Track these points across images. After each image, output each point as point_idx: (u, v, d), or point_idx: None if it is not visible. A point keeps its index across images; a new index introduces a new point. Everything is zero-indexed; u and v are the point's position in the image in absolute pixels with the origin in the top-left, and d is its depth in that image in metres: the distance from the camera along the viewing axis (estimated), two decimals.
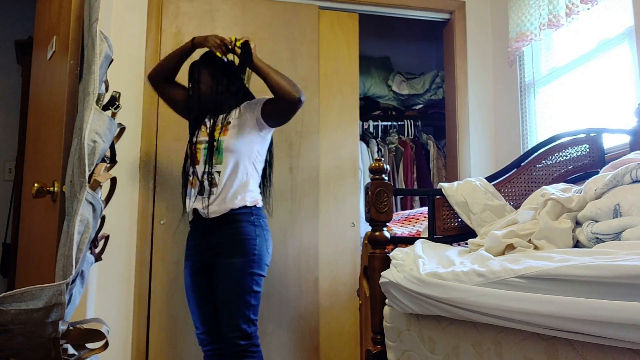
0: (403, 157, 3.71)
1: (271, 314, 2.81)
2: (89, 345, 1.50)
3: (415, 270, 1.44)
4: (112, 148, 1.64)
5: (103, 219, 1.58)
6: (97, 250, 1.62)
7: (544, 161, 2.02)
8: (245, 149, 2.24)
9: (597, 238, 1.36)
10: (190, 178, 2.27)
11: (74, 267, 1.34)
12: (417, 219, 2.32)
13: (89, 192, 1.42)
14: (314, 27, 3.09)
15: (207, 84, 2.30)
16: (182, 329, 2.65)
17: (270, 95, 2.27)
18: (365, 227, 2.17)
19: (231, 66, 2.36)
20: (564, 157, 2.01)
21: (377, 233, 1.81)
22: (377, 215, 1.80)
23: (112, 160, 1.65)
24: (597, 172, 1.72)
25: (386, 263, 1.71)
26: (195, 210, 2.25)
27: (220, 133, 2.24)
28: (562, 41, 2.77)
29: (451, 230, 1.94)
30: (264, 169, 2.41)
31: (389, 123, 3.85)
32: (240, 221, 2.19)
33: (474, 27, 3.30)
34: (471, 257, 1.43)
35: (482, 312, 1.13)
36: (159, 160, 2.77)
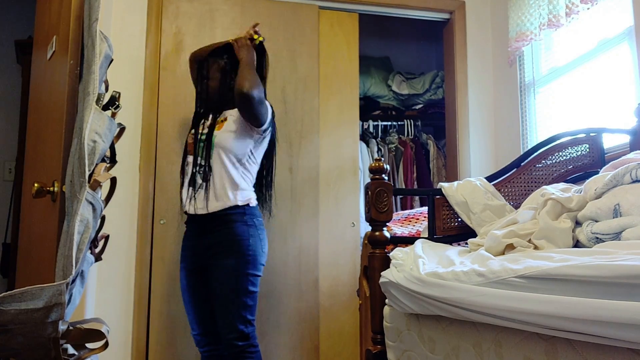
0: (403, 157, 3.71)
1: (271, 314, 2.81)
2: (89, 345, 1.50)
3: (415, 270, 1.44)
4: (112, 148, 1.64)
5: (103, 218, 1.58)
6: (97, 250, 1.62)
7: (543, 161, 2.02)
8: (237, 147, 2.23)
9: (597, 238, 1.36)
10: (186, 168, 2.29)
11: (74, 267, 1.34)
12: (417, 219, 2.32)
13: (89, 192, 1.42)
14: (313, 27, 3.09)
15: (216, 79, 2.33)
16: (182, 329, 2.65)
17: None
18: (365, 227, 2.17)
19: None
20: (564, 157, 2.01)
21: (377, 233, 1.81)
22: (377, 215, 1.80)
23: (112, 160, 1.65)
24: (597, 172, 1.72)
25: (386, 263, 1.71)
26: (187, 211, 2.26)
27: (217, 127, 2.26)
28: (562, 41, 2.77)
29: (451, 230, 1.94)
30: (264, 172, 2.41)
31: (389, 123, 3.85)
32: (233, 222, 2.18)
33: (474, 27, 3.30)
34: (471, 257, 1.43)
35: (482, 312, 1.13)
36: (159, 160, 2.77)
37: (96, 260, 1.60)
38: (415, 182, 3.67)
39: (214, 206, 2.19)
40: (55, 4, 1.91)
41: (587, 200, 1.49)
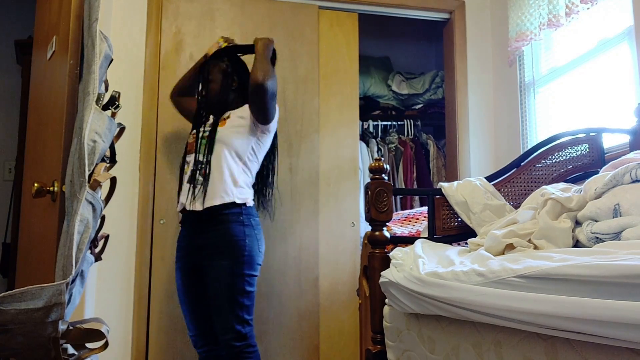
0: (403, 157, 3.71)
1: (271, 314, 2.81)
2: (89, 345, 1.50)
3: (415, 269, 1.44)
4: (112, 148, 1.64)
5: (103, 218, 1.58)
6: (97, 250, 1.62)
7: (543, 161, 2.02)
8: (239, 144, 2.23)
9: (597, 238, 1.36)
10: (185, 167, 2.29)
11: (73, 267, 1.34)
12: (417, 219, 2.32)
13: (89, 192, 1.42)
14: (313, 27, 3.09)
15: (217, 82, 2.33)
16: (182, 329, 2.65)
17: None
18: (365, 227, 2.17)
19: (241, 65, 2.42)
20: (564, 157, 2.01)
21: (377, 233, 1.81)
22: (377, 215, 1.80)
23: (112, 160, 1.65)
24: (597, 172, 1.72)
25: (386, 263, 1.71)
26: (184, 209, 2.25)
27: (218, 125, 2.26)
28: (562, 41, 2.77)
29: (451, 230, 1.94)
30: (265, 173, 2.41)
31: (389, 123, 3.85)
32: (229, 222, 2.17)
33: (474, 27, 3.30)
34: (471, 257, 1.43)
35: (481, 311, 1.13)
36: (159, 160, 2.77)
37: (96, 260, 1.61)
38: (415, 182, 3.67)
39: (212, 202, 2.17)
40: (55, 3, 1.91)
41: (587, 200, 1.49)
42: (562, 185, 1.76)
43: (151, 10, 2.87)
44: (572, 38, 2.68)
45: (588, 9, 2.36)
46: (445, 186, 1.97)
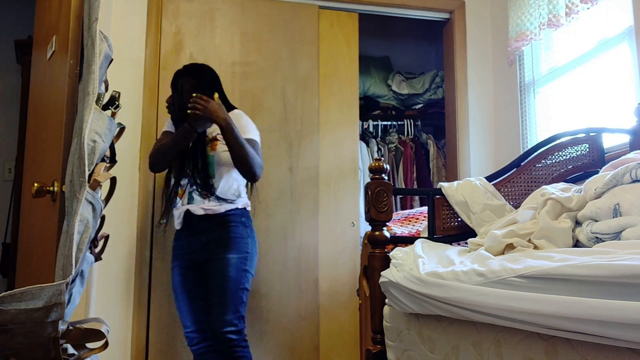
0: (403, 157, 3.71)
1: (271, 314, 2.81)
2: (89, 345, 1.50)
3: (415, 269, 1.44)
4: (111, 148, 1.64)
5: (103, 218, 1.58)
6: (97, 250, 1.62)
7: (543, 161, 2.02)
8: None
9: (597, 237, 1.36)
10: (177, 190, 2.29)
11: (73, 267, 1.34)
12: (417, 219, 2.32)
13: (89, 192, 1.42)
14: (313, 27, 3.09)
15: (190, 93, 2.25)
16: (182, 329, 2.64)
17: (249, 134, 2.28)
18: (365, 227, 2.17)
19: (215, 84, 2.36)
20: (564, 157, 2.01)
21: (377, 233, 1.81)
22: (377, 214, 1.80)
23: (112, 160, 1.65)
24: (597, 172, 1.72)
25: (386, 263, 1.71)
26: (186, 213, 2.27)
27: (209, 148, 2.26)
28: (562, 41, 2.77)
29: (451, 229, 1.94)
30: None
31: (389, 123, 3.85)
32: (231, 222, 2.24)
33: (474, 27, 3.30)
34: (471, 257, 1.43)
35: (481, 311, 1.13)
36: None
37: (96, 260, 1.60)
38: (415, 182, 3.67)
39: (217, 209, 2.24)
40: (55, 3, 1.91)
41: (587, 200, 1.49)
42: (562, 185, 1.76)
43: (151, 10, 2.87)
44: (572, 38, 2.68)
45: (588, 8, 2.36)
46: (445, 186, 1.97)
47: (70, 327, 1.40)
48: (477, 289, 1.15)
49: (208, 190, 2.23)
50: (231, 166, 2.26)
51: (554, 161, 2.01)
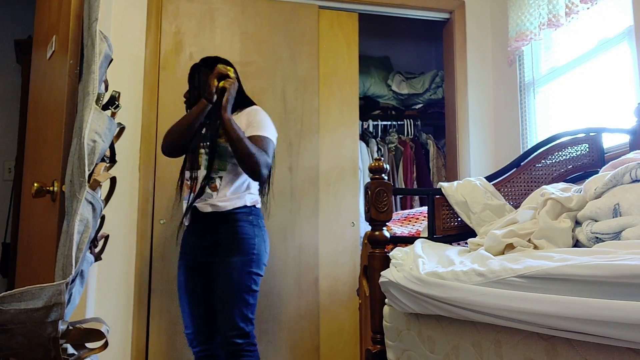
0: (403, 157, 3.71)
1: (271, 314, 2.81)
2: (89, 345, 1.50)
3: (415, 269, 1.44)
4: (111, 148, 1.63)
5: (103, 218, 1.58)
6: (96, 250, 1.62)
7: (543, 161, 2.02)
8: None
9: (597, 237, 1.36)
10: (189, 182, 2.26)
11: (73, 267, 1.34)
12: (417, 219, 2.32)
13: (89, 192, 1.42)
14: (313, 26, 3.09)
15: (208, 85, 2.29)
16: (182, 329, 2.64)
17: (260, 131, 2.24)
18: (365, 227, 2.17)
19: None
20: (564, 157, 2.01)
21: (377, 232, 1.81)
22: (377, 214, 1.80)
23: (112, 159, 1.65)
24: (597, 172, 1.72)
25: (386, 262, 1.71)
26: (193, 210, 2.25)
27: (222, 140, 2.22)
28: (562, 41, 2.77)
29: (451, 229, 1.94)
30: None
31: (389, 123, 3.85)
32: (238, 220, 2.20)
33: (474, 27, 3.30)
34: (471, 257, 1.43)
35: (481, 311, 1.13)
36: (159, 160, 2.77)
37: (96, 260, 1.60)
38: (415, 182, 3.67)
39: (224, 206, 2.21)
40: (55, 3, 1.91)
41: (587, 199, 1.49)
42: (562, 185, 1.76)
43: (151, 10, 2.87)
44: (572, 38, 2.68)
45: (588, 8, 2.36)
46: (445, 186, 1.97)
47: (70, 327, 1.40)
48: (477, 289, 1.15)
49: (214, 183, 2.20)
50: None
51: (553, 161, 2.01)
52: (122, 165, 2.54)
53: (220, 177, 2.22)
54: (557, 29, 2.57)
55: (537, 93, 2.94)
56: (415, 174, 3.69)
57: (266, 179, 2.40)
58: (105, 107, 1.56)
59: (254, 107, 2.35)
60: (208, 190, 2.21)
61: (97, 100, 1.51)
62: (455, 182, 1.99)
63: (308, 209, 2.94)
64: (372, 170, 1.83)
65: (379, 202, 1.79)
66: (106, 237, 1.70)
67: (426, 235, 1.91)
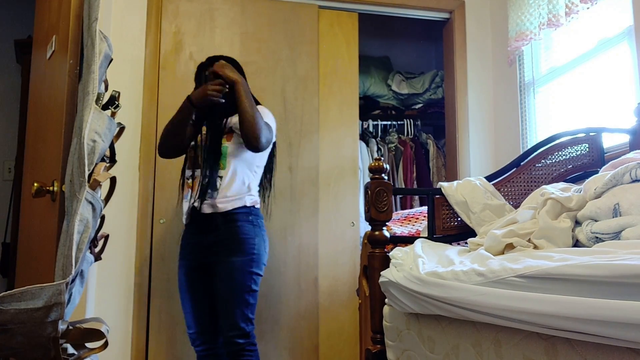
0: (403, 157, 3.71)
1: (270, 314, 2.81)
2: (89, 345, 1.50)
3: (415, 269, 1.44)
4: (111, 147, 1.63)
5: (103, 218, 1.58)
6: (96, 250, 1.62)
7: (543, 160, 2.02)
8: (249, 156, 2.27)
9: (597, 237, 1.36)
10: (190, 181, 2.27)
11: (73, 267, 1.34)
12: (417, 219, 2.32)
13: (89, 192, 1.42)
14: (313, 26, 3.09)
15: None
16: (182, 329, 2.64)
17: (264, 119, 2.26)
18: (365, 227, 2.17)
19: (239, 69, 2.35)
20: (564, 157, 2.01)
21: (377, 232, 1.81)
22: (377, 214, 1.80)
23: (112, 159, 1.65)
24: (597, 172, 1.72)
25: (386, 262, 1.71)
26: (193, 210, 2.25)
27: (225, 139, 2.25)
28: (562, 41, 2.77)
29: (451, 229, 1.94)
30: (265, 173, 2.42)
31: (389, 122, 3.85)
32: (238, 220, 2.20)
33: (474, 27, 3.30)
34: (471, 257, 1.43)
35: (481, 311, 1.13)
36: (159, 160, 2.77)
37: (96, 260, 1.60)
38: (415, 182, 3.67)
39: (224, 207, 2.21)
40: (54, 3, 1.91)
41: (587, 199, 1.49)
42: (561, 184, 1.76)
43: (151, 10, 2.87)
44: (572, 38, 2.68)
45: (588, 8, 2.36)
46: (445, 186, 1.97)
47: (70, 327, 1.40)
48: (477, 289, 1.15)
49: (214, 183, 2.21)
50: (244, 161, 2.24)
51: (553, 161, 2.01)
52: (122, 165, 2.54)
53: (221, 177, 2.22)
54: (557, 29, 2.57)
55: (537, 93, 2.94)
56: (415, 174, 3.69)
57: (268, 178, 2.42)
58: (105, 107, 1.56)
59: (261, 107, 2.37)
60: (208, 190, 2.21)
61: (97, 100, 1.51)
62: (455, 182, 1.99)
63: (308, 209, 2.94)
64: (372, 170, 1.83)
65: (379, 202, 1.79)
66: (106, 237, 1.70)
67: (426, 235, 1.91)
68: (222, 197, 2.21)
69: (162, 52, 2.86)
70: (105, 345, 1.51)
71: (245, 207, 2.23)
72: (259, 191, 2.39)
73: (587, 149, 2.01)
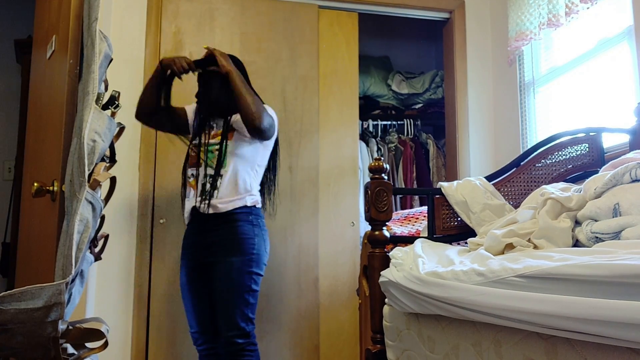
0: (402, 157, 3.71)
1: (271, 313, 2.81)
2: (89, 345, 1.50)
3: (415, 269, 1.44)
4: (111, 147, 1.63)
5: (103, 218, 1.58)
6: (96, 250, 1.62)
7: (543, 160, 2.02)
8: (249, 154, 2.26)
9: (597, 237, 1.36)
10: (191, 180, 2.28)
11: (73, 267, 1.34)
12: (417, 218, 2.32)
13: (89, 192, 1.42)
14: (313, 26, 3.08)
15: (217, 88, 2.29)
16: (182, 329, 2.65)
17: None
18: (365, 227, 2.17)
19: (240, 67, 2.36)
20: (564, 156, 2.01)
21: (377, 232, 1.81)
22: (377, 214, 1.80)
23: (112, 159, 1.65)
24: (597, 172, 1.72)
25: (386, 262, 1.71)
26: (193, 209, 2.25)
27: (227, 137, 2.25)
28: (562, 40, 2.77)
29: (451, 229, 1.94)
30: (268, 172, 2.42)
31: (389, 122, 3.85)
32: (238, 220, 2.20)
33: (474, 27, 3.30)
34: (471, 257, 1.43)
35: (481, 311, 1.13)
36: (159, 160, 2.77)
37: (96, 260, 1.60)
38: (415, 182, 3.67)
39: (225, 208, 2.21)
40: (54, 3, 1.91)
41: (587, 199, 1.49)
42: (561, 184, 1.76)
43: (151, 10, 2.87)
44: (571, 38, 2.68)
45: (588, 8, 2.36)
46: (444, 186, 1.97)
47: (70, 327, 1.40)
48: (477, 289, 1.15)
49: (214, 182, 2.20)
50: (244, 159, 2.24)
51: (553, 161, 2.02)
52: (122, 165, 2.54)
53: (222, 176, 2.22)
54: (557, 29, 2.56)
55: (537, 93, 2.94)
56: (415, 174, 3.69)
57: (271, 178, 2.42)
58: (105, 107, 1.56)
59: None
60: (209, 188, 2.21)
61: (97, 100, 1.51)
62: (455, 182, 1.99)
63: (308, 208, 2.94)
64: (372, 170, 1.83)
65: (378, 201, 1.79)
66: (106, 237, 1.70)
67: (426, 235, 1.91)
68: (222, 197, 2.21)
69: (162, 52, 2.86)
70: (105, 345, 1.51)
71: (245, 206, 2.23)
72: (261, 190, 2.39)
73: (587, 149, 2.01)
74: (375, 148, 3.68)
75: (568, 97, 2.70)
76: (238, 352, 2.14)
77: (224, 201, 2.21)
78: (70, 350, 1.44)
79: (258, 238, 2.22)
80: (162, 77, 2.26)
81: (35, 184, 1.60)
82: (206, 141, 2.27)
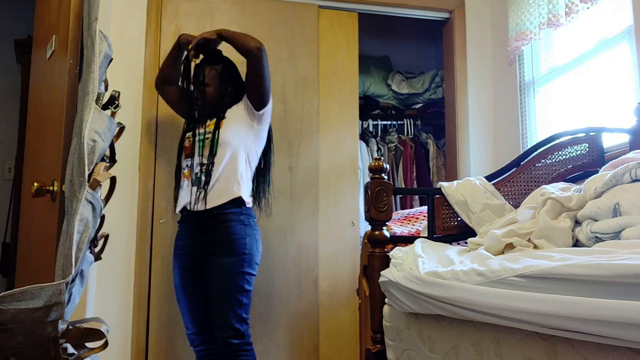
0: (402, 156, 3.71)
1: (271, 314, 2.81)
2: (89, 345, 1.50)
3: (415, 269, 1.44)
4: (111, 147, 1.64)
5: (103, 218, 1.58)
6: (96, 250, 1.62)
7: (543, 160, 2.02)
8: (239, 142, 2.26)
9: (597, 237, 1.36)
10: (185, 170, 2.29)
11: (73, 267, 1.34)
12: (417, 218, 2.32)
13: (89, 192, 1.42)
14: (313, 26, 3.08)
15: (213, 86, 2.32)
16: (182, 329, 2.64)
17: None
18: (365, 227, 2.17)
19: (234, 69, 2.41)
20: (564, 156, 2.01)
21: (377, 232, 1.81)
22: (377, 214, 1.80)
23: (112, 159, 1.65)
24: (597, 171, 1.72)
25: (386, 262, 1.71)
26: (184, 209, 2.26)
27: (219, 127, 2.27)
28: (562, 40, 2.77)
29: (451, 229, 1.94)
30: (261, 169, 2.42)
31: (389, 122, 3.85)
32: (230, 220, 2.20)
33: (474, 26, 3.30)
34: (471, 256, 1.43)
35: (481, 311, 1.13)
36: (159, 160, 2.77)
37: (96, 260, 1.60)
38: (415, 182, 3.67)
39: (217, 202, 2.20)
40: (54, 3, 1.91)
41: (587, 199, 1.49)
42: (561, 184, 1.76)
43: (151, 10, 2.86)
44: (571, 38, 2.68)
45: (588, 8, 2.35)
46: (444, 186, 1.97)
47: (70, 327, 1.40)
48: (477, 289, 1.15)
49: (207, 171, 2.21)
50: (233, 147, 2.24)
51: (553, 161, 2.02)
52: (122, 165, 2.54)
53: (213, 164, 2.22)
54: (557, 29, 2.56)
55: (537, 93, 2.94)
56: (415, 174, 3.69)
57: (266, 176, 2.43)
58: (105, 107, 1.56)
59: None
60: (202, 177, 2.22)
61: (97, 100, 1.51)
62: (455, 182, 1.99)
63: (308, 208, 2.94)
64: (372, 169, 1.83)
65: (378, 201, 1.79)
66: (106, 237, 1.70)
67: (426, 235, 1.91)
68: (215, 189, 2.20)
69: (162, 52, 2.85)
70: (105, 345, 1.51)
71: (236, 206, 2.22)
72: (255, 188, 2.40)
73: (587, 149, 2.01)
74: (375, 148, 3.68)
75: (568, 97, 2.70)
76: (234, 352, 2.15)
77: (214, 194, 2.20)
78: (70, 350, 1.44)
79: (250, 238, 2.22)
80: (180, 52, 2.40)
81: (35, 184, 1.60)
82: (199, 131, 2.29)
